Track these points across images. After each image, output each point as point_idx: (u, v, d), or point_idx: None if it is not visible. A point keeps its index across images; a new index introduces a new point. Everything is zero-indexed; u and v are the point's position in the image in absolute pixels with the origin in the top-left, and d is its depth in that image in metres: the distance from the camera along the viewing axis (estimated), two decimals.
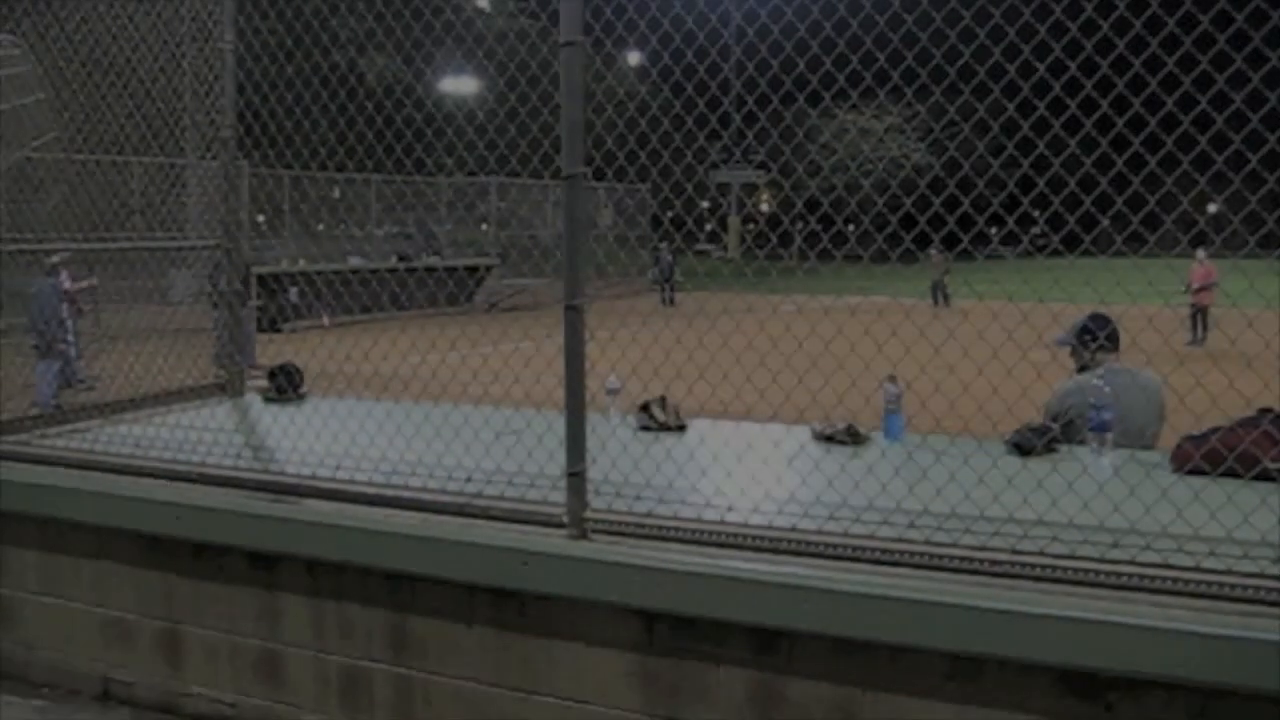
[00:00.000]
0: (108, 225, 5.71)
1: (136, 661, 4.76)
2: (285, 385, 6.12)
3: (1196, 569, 3.04)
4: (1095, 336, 5.02)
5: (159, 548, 4.61)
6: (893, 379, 4.71)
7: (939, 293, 29.33)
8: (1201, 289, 21.12)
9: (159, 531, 4.56)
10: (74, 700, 4.86)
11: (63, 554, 4.88)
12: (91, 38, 5.54)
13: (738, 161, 42.72)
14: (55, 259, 8.63)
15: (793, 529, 3.54)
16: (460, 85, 34.56)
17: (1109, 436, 4.41)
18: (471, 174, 31.75)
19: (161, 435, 4.98)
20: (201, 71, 5.72)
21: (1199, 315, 21.44)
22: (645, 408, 5.25)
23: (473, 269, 32.09)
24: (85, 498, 4.69)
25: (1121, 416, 4.56)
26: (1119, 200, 3.48)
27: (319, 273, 25.17)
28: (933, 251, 27.40)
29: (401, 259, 29.74)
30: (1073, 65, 3.28)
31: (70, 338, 10.18)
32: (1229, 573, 3.00)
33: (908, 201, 3.83)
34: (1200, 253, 19.82)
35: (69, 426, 5.44)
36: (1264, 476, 3.71)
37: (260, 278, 22.37)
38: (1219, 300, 20.76)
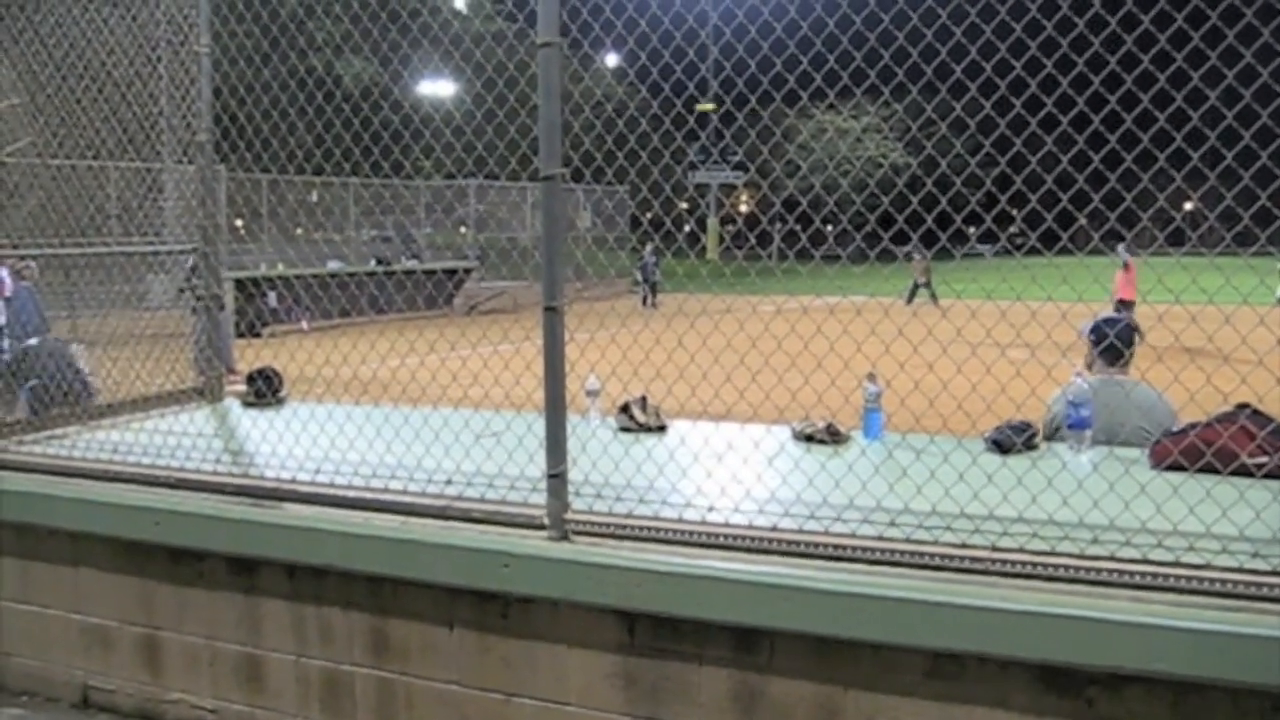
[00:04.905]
0: (84, 230, 5.68)
1: (116, 668, 4.73)
2: (264, 389, 6.09)
3: (1175, 564, 3.05)
4: (1098, 343, 4.95)
5: (138, 554, 4.59)
6: (872, 377, 4.72)
7: (922, 291, 29.34)
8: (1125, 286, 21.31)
9: (138, 537, 4.53)
10: (53, 708, 4.83)
11: (40, 561, 4.85)
12: (66, 42, 5.51)
13: (715, 162, 42.78)
14: (21, 265, 8.59)
15: (773, 528, 3.54)
16: (438, 88, 34.54)
17: (1087, 434, 4.42)
18: (450, 177, 31.72)
19: (140, 441, 4.96)
20: (177, 75, 5.69)
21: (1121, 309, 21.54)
22: (625, 409, 5.24)
23: (451, 272, 32.03)
24: (63, 504, 4.66)
25: (1109, 432, 4.54)
26: (1096, 198, 3.50)
27: (298, 277, 25.06)
28: (914, 256, 27.52)
29: (380, 262, 29.70)
30: (1049, 63, 3.29)
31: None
32: (1207, 567, 3.02)
33: (885, 200, 3.84)
34: (1122, 252, 19.87)
35: (46, 433, 5.40)
36: (1241, 472, 3.73)
37: (238, 282, 22.30)
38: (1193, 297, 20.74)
